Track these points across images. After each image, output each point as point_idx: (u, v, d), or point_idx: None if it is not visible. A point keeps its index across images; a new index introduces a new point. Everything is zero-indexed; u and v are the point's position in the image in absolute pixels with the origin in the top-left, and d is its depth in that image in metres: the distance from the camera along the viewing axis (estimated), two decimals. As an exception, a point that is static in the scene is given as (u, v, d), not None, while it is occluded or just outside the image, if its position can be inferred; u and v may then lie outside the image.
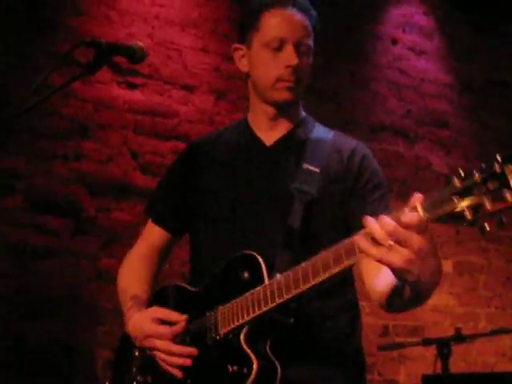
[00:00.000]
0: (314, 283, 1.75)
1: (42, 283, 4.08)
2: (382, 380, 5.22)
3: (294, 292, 1.79)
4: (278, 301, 1.82)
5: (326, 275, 1.72)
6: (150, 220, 2.42)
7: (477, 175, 1.40)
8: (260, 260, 1.93)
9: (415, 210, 1.51)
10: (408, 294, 1.77)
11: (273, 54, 2.12)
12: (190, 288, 2.18)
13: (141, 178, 4.52)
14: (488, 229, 1.41)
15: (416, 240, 1.50)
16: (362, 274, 2.09)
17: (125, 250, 4.26)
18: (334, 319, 2.08)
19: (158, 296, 2.24)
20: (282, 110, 2.21)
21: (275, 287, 1.84)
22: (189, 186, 2.28)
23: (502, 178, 1.36)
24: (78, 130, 4.38)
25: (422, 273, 1.57)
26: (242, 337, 1.89)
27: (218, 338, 1.96)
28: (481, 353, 5.74)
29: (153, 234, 2.40)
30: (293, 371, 1.93)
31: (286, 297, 1.81)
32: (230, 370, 1.88)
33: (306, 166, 2.10)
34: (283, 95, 2.14)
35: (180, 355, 1.99)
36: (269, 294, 1.85)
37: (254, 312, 1.87)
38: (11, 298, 3.97)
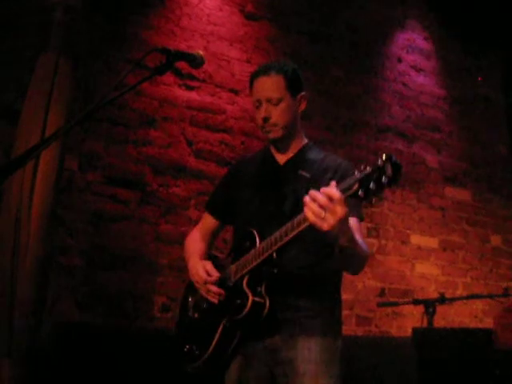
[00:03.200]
0: (280, 243, 2.12)
1: (114, 242, 4.10)
2: (379, 331, 5.19)
3: (270, 251, 2.17)
4: (261, 257, 2.20)
5: (288, 237, 2.09)
6: (207, 212, 2.73)
7: (368, 168, 1.76)
8: (255, 234, 2.29)
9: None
10: (336, 256, 2.10)
11: (256, 110, 2.44)
12: (220, 256, 2.60)
13: (194, 161, 4.52)
14: (373, 202, 1.78)
15: (338, 210, 1.82)
16: None
17: (179, 219, 4.33)
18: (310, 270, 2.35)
19: (207, 259, 2.59)
20: (277, 143, 2.47)
21: (261, 249, 2.22)
22: (232, 192, 2.59)
23: (382, 169, 1.72)
24: (146, 121, 4.38)
25: (339, 231, 1.91)
26: (244, 282, 2.27)
27: (231, 284, 2.35)
28: (458, 313, 5.69)
29: (209, 222, 2.72)
30: (277, 304, 2.25)
31: (266, 254, 2.19)
32: (237, 301, 2.25)
33: (300, 172, 2.40)
34: (268, 136, 2.44)
35: (214, 292, 2.38)
36: (257, 253, 2.23)
37: (249, 265, 2.26)
38: (90, 253, 3.99)
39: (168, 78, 4.44)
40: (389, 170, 1.71)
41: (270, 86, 2.39)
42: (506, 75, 6.66)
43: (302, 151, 2.49)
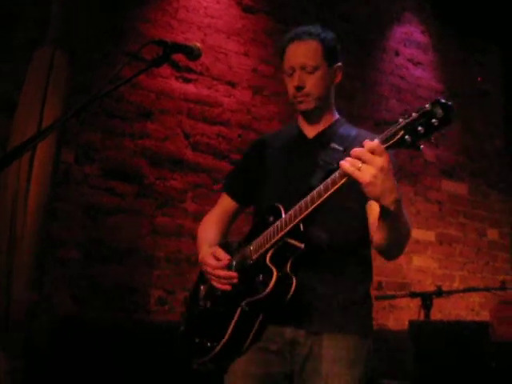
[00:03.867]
0: (312, 207, 1.88)
1: (111, 235, 4.08)
2: (375, 324, 5.16)
3: (300, 217, 1.92)
4: (288, 226, 1.96)
5: (321, 199, 1.85)
6: (225, 193, 2.49)
7: (414, 114, 1.62)
8: (280, 207, 2.04)
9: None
10: (382, 225, 1.88)
11: (288, 78, 2.25)
12: (236, 242, 2.31)
13: (191, 154, 4.50)
14: (422, 147, 1.64)
15: (378, 160, 1.66)
16: (370, 233, 2.13)
17: (176, 211, 4.32)
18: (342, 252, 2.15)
19: (222, 246, 2.32)
20: (308, 115, 2.28)
21: (287, 218, 1.97)
22: (255, 170, 2.37)
23: (431, 112, 1.59)
24: (143, 113, 4.36)
25: (384, 186, 1.68)
26: (267, 257, 2.02)
27: (251, 262, 2.09)
28: (455, 306, 5.71)
29: (227, 203, 2.47)
30: (306, 281, 2.02)
31: (293, 222, 1.94)
32: (259, 279, 2.01)
33: (332, 145, 2.19)
34: (299, 107, 2.25)
35: (224, 278, 2.14)
36: (283, 223, 1.98)
37: (273, 238, 2.01)
38: (86, 246, 3.98)
39: (165, 70, 4.42)
40: (439, 111, 1.57)
41: (306, 52, 2.21)
42: (504, 69, 6.66)
43: (334, 126, 2.30)
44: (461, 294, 5.53)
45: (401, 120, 1.64)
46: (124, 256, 4.10)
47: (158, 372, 3.52)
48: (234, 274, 2.11)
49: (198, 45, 2.03)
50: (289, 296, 1.95)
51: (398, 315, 5.31)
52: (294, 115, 2.42)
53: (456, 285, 5.83)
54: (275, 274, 1.95)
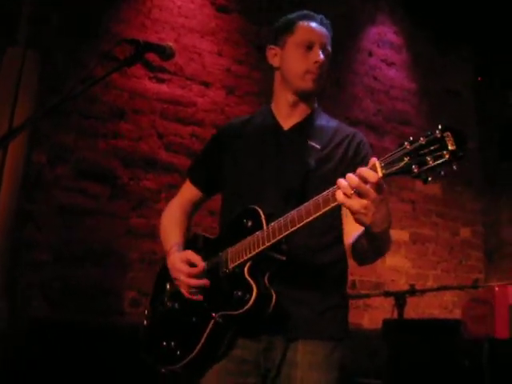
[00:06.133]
0: (298, 226, 1.78)
1: (84, 236, 4.05)
2: (350, 323, 5.22)
3: (284, 233, 1.82)
4: (272, 241, 1.86)
5: (309, 219, 1.75)
6: (188, 180, 2.39)
7: (422, 139, 1.48)
8: (260, 211, 1.95)
9: (374, 168, 1.58)
10: (365, 243, 1.84)
11: (304, 52, 2.14)
12: (209, 236, 2.22)
13: (164, 154, 4.50)
14: (430, 179, 1.49)
15: (372, 192, 1.59)
16: (344, 234, 2.09)
17: (150, 212, 4.31)
18: (322, 255, 2.08)
19: (190, 241, 2.26)
20: (303, 98, 2.19)
21: (270, 231, 1.87)
22: (222, 158, 2.26)
23: (442, 141, 1.45)
24: (116, 113, 4.34)
25: (375, 217, 1.63)
26: (245, 270, 1.92)
27: (227, 271, 1.99)
28: (428, 305, 5.76)
29: (190, 191, 2.38)
30: (281, 288, 1.94)
31: (277, 237, 1.84)
32: (236, 295, 1.91)
33: (310, 143, 2.09)
34: (309, 85, 2.14)
35: (195, 287, 2.04)
36: (265, 236, 1.88)
37: (254, 250, 1.90)
38: (59, 248, 3.95)
39: (138, 70, 4.40)
40: (450, 142, 1.44)
41: (327, 36, 2.22)
42: (476, 69, 6.74)
43: (311, 117, 2.20)
44: (434, 293, 5.58)
45: (406, 144, 1.52)
46: (98, 258, 4.07)
47: (132, 374, 3.50)
48: (206, 282, 2.02)
49: (171, 44, 2.00)
50: (268, 312, 1.89)
51: (372, 314, 5.34)
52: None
53: (429, 283, 5.88)
54: (255, 291, 1.86)
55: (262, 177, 2.12)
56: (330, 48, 2.20)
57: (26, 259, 3.74)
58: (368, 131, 5.71)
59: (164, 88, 4.56)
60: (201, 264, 2.04)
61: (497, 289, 4.38)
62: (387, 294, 4.26)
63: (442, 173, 1.47)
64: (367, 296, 4.80)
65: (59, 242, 3.95)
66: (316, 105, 2.26)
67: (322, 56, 2.13)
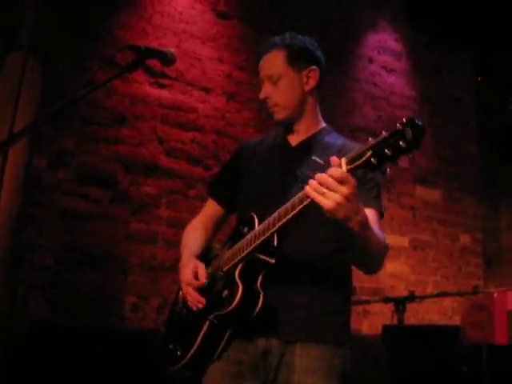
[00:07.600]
0: (279, 224, 1.84)
1: (84, 241, 4.06)
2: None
3: (268, 233, 1.89)
4: (256, 242, 1.93)
5: (287, 218, 1.81)
6: (210, 198, 2.47)
7: (384, 133, 1.55)
8: (255, 218, 2.02)
9: (339, 165, 1.65)
10: (349, 245, 1.92)
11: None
12: (219, 245, 2.31)
13: (165, 159, 4.51)
14: (388, 171, 1.58)
15: (340, 188, 1.62)
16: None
17: (150, 217, 4.31)
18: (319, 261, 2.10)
19: (204, 251, 2.32)
20: (284, 125, 2.26)
21: (256, 232, 1.94)
22: (239, 176, 2.33)
23: (401, 132, 1.52)
24: (117, 119, 4.35)
25: (346, 212, 1.66)
26: (237, 271, 1.99)
27: (221, 274, 2.08)
28: (427, 311, 5.75)
29: (212, 208, 2.45)
30: (275, 301, 2.00)
31: (261, 238, 1.91)
32: (224, 294, 2.00)
33: (313, 158, 2.06)
34: (273, 117, 2.23)
35: (194, 298, 2.11)
36: (253, 237, 1.95)
37: (243, 252, 1.98)
38: (60, 252, 3.96)
39: (140, 76, 4.42)
40: (408, 133, 1.50)
41: (268, 62, 2.21)
42: (477, 75, 6.75)
43: (318, 135, 2.24)
44: (434, 299, 5.58)
45: (370, 139, 1.58)
46: (98, 262, 4.08)
47: (131, 379, 3.51)
48: (202, 299, 2.08)
49: (172, 50, 2.02)
50: (256, 311, 1.93)
51: (372, 320, 5.34)
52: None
53: (429, 290, 5.88)
54: (240, 289, 1.92)
55: (268, 191, 2.16)
56: (275, 71, 2.19)
57: (26, 262, 3.75)
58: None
59: (165, 94, 4.57)
60: (203, 280, 2.10)
61: (496, 295, 4.39)
62: (387, 300, 4.26)
63: (399, 163, 1.56)
64: (367, 302, 4.80)
65: (60, 246, 3.96)
66: (323, 123, 2.30)
67: (262, 93, 2.21)
